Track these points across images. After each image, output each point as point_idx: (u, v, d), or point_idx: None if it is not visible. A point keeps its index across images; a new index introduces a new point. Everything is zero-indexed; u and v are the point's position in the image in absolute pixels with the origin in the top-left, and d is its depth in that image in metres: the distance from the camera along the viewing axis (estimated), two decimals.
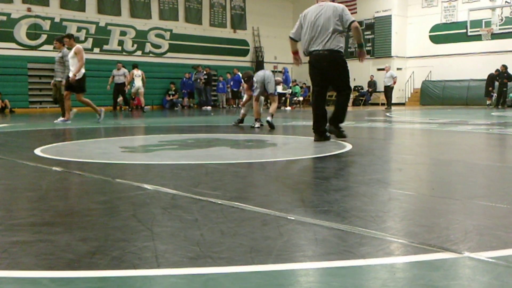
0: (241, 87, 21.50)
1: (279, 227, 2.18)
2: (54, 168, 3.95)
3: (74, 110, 11.08)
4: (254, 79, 8.94)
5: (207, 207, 2.57)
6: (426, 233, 2.08)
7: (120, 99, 17.97)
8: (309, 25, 6.06)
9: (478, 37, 22.67)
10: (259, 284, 1.54)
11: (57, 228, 2.19)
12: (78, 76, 10.11)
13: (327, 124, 6.21)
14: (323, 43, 5.97)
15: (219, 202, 2.65)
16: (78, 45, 10.46)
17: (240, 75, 22.38)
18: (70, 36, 10.69)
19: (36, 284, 1.55)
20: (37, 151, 5.12)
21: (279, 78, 9.00)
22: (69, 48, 10.47)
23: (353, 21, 6.14)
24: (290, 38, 6.34)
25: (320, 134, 6.15)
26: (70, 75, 10.11)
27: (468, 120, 11.17)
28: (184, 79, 21.63)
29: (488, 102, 20.46)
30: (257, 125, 8.65)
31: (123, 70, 17.41)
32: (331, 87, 6.40)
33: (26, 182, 3.51)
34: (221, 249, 1.87)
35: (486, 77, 20.76)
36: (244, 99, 9.89)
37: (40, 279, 1.59)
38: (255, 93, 8.91)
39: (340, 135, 6.12)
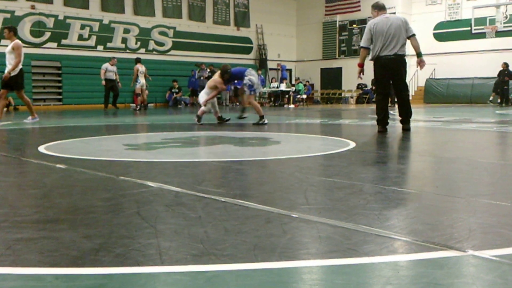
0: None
1: (282, 224, 2.18)
2: (58, 165, 3.96)
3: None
4: (252, 78, 8.92)
5: (210, 204, 2.57)
6: (430, 231, 2.08)
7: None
8: (380, 34, 7.04)
9: (482, 35, 22.57)
10: (262, 282, 1.54)
11: (61, 225, 2.20)
12: (14, 73, 9.28)
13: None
14: (394, 49, 7.04)
15: (223, 200, 2.65)
16: (18, 40, 9.52)
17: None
18: (10, 29, 9.65)
19: (40, 280, 1.56)
20: (41, 149, 5.14)
21: (254, 77, 8.83)
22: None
23: (414, 34, 7.23)
24: (363, 47, 7.25)
25: (386, 126, 7.33)
26: (5, 71, 9.29)
27: (472, 118, 11.13)
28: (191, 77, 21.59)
29: (491, 98, 20.33)
30: (266, 121, 8.96)
31: (115, 67, 16.97)
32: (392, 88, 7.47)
33: (30, 180, 3.52)
34: (224, 246, 1.87)
35: (490, 75, 20.69)
36: (212, 94, 9.24)
37: (44, 275, 1.59)
38: (256, 93, 9.07)
39: (409, 127, 7.39)
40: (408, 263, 1.72)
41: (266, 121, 9.04)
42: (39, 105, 18.90)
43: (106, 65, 16.82)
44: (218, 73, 9.19)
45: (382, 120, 7.28)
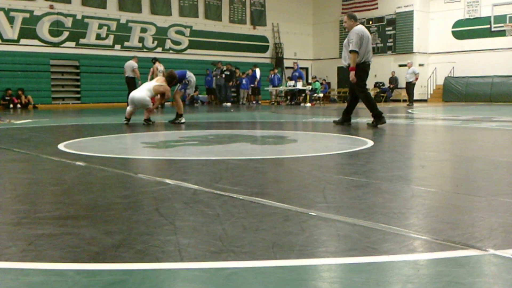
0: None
1: (301, 222, 2.17)
2: (77, 162, 4.01)
3: None
4: (191, 79, 9.18)
5: (228, 202, 2.58)
6: (451, 230, 2.06)
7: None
8: (366, 41, 7.89)
9: (502, 33, 22.27)
10: (281, 279, 1.54)
11: (81, 222, 2.23)
12: None
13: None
14: (371, 56, 8.06)
15: (241, 198, 2.65)
16: None
17: (258, 71, 22.40)
18: None
19: (62, 276, 1.58)
20: (61, 146, 5.20)
21: (192, 79, 8.96)
22: None
23: None
24: (357, 52, 7.81)
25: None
26: None
27: (492, 116, 10.98)
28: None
29: None
30: (183, 120, 9.09)
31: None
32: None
33: (50, 177, 3.57)
34: (243, 243, 1.88)
35: (510, 73, 20.40)
36: (161, 100, 9.39)
37: (66, 271, 1.61)
38: (186, 92, 9.45)
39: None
40: (428, 261, 1.70)
41: (183, 121, 9.04)
42: (58, 104, 19.14)
43: (132, 63, 16.66)
44: (163, 78, 9.07)
45: (380, 111, 7.93)
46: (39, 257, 1.74)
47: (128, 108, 8.85)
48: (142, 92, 8.75)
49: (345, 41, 8.09)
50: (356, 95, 8.14)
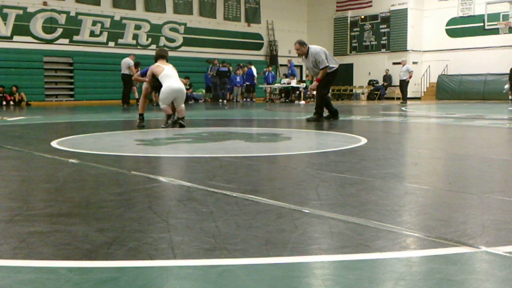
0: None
1: (294, 220, 2.18)
2: (70, 160, 3.99)
3: None
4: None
5: (222, 199, 2.58)
6: (443, 227, 2.06)
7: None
8: (327, 54, 8.79)
9: (495, 31, 22.34)
10: (274, 276, 1.54)
11: (74, 219, 2.22)
12: None
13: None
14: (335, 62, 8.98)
15: (234, 195, 2.65)
16: None
17: (254, 69, 22.39)
18: None
19: (54, 273, 1.57)
20: (54, 144, 5.18)
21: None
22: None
23: None
24: (328, 66, 8.56)
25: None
26: None
27: (485, 114, 11.03)
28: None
29: (510, 96, 19.99)
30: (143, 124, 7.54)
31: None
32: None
33: (43, 174, 3.55)
34: (236, 241, 1.88)
35: (503, 71, 20.47)
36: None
37: (58, 268, 1.61)
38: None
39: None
40: (420, 259, 1.71)
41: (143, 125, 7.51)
42: (51, 101, 19.04)
43: (129, 60, 16.55)
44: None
45: (322, 113, 8.88)
46: (31, 255, 1.74)
47: (165, 106, 7.32)
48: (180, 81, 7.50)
49: (309, 63, 8.71)
50: (323, 94, 8.87)
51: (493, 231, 2.01)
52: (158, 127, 7.51)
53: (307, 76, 24.11)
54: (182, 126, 7.28)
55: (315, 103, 9.03)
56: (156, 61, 7.50)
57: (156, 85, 7.50)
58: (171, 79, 7.28)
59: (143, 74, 7.87)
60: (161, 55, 7.57)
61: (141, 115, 7.61)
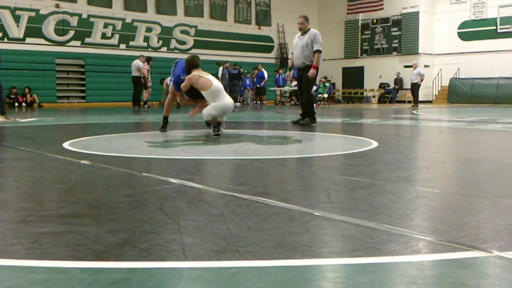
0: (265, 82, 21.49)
1: (305, 222, 2.17)
2: (82, 161, 4.02)
3: None
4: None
5: (232, 201, 2.58)
6: (455, 231, 2.05)
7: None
8: None
9: (508, 34, 22.18)
10: (285, 279, 1.54)
11: (86, 220, 2.23)
12: None
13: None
14: None
15: (245, 197, 2.65)
16: None
17: (265, 71, 22.40)
18: None
19: (66, 273, 1.58)
20: (65, 145, 5.21)
21: None
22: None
23: None
24: (321, 52, 8.31)
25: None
26: None
27: (497, 118, 10.94)
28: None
29: None
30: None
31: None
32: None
33: (55, 175, 3.58)
34: (247, 243, 1.87)
35: None
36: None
37: (70, 269, 1.62)
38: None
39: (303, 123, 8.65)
40: (432, 263, 1.70)
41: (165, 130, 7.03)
42: (63, 103, 19.19)
43: (139, 63, 16.58)
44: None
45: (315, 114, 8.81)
46: (43, 255, 1.75)
47: (218, 118, 6.44)
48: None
49: (304, 41, 8.41)
50: (311, 95, 8.80)
51: (506, 236, 2.00)
52: (177, 129, 7.50)
53: (324, 78, 23.87)
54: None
55: (306, 106, 8.70)
56: (189, 71, 6.60)
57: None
58: (222, 94, 6.47)
59: (177, 84, 6.74)
60: (195, 64, 6.66)
61: (165, 118, 7.02)
